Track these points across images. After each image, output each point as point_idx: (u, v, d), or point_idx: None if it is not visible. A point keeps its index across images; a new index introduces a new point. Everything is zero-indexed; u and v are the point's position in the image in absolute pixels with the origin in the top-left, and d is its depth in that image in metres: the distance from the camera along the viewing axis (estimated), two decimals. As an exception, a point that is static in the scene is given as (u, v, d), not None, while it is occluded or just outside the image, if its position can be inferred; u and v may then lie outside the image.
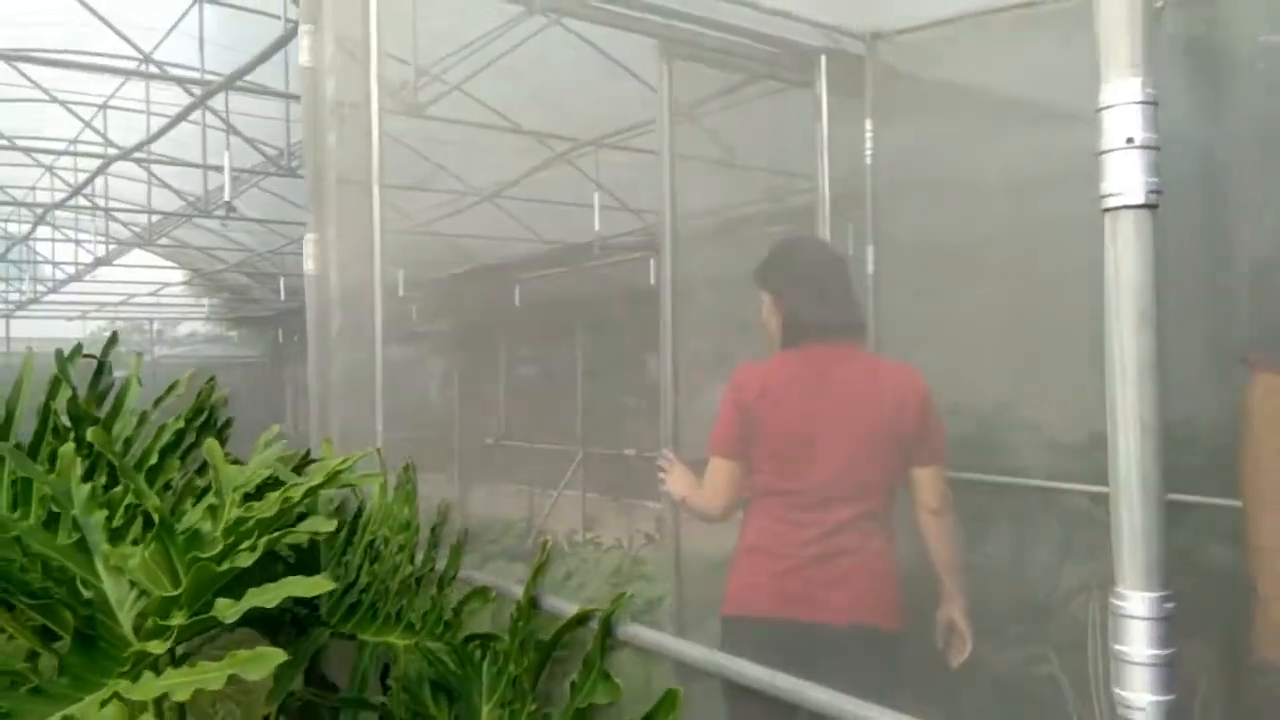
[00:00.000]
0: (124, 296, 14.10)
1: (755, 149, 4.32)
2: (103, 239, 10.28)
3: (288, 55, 4.41)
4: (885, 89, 2.89)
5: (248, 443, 1.93)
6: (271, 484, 1.75)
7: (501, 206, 7.71)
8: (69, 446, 1.60)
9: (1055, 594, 2.64)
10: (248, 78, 4.85)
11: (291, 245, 9.93)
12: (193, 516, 1.60)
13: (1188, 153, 2.12)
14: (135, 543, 1.57)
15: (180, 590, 1.30)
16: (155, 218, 9.22)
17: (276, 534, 1.42)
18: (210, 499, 1.64)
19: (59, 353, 2.07)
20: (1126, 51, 0.95)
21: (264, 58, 4.35)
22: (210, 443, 1.75)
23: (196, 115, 5.95)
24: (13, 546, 1.40)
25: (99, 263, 10.67)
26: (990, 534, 2.74)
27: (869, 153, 2.91)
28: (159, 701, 1.25)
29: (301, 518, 1.77)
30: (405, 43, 4.22)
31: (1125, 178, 0.95)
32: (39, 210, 8.99)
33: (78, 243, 10.73)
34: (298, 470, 1.97)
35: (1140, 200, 0.95)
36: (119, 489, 1.68)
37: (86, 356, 2.13)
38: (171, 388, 2.21)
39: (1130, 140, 0.95)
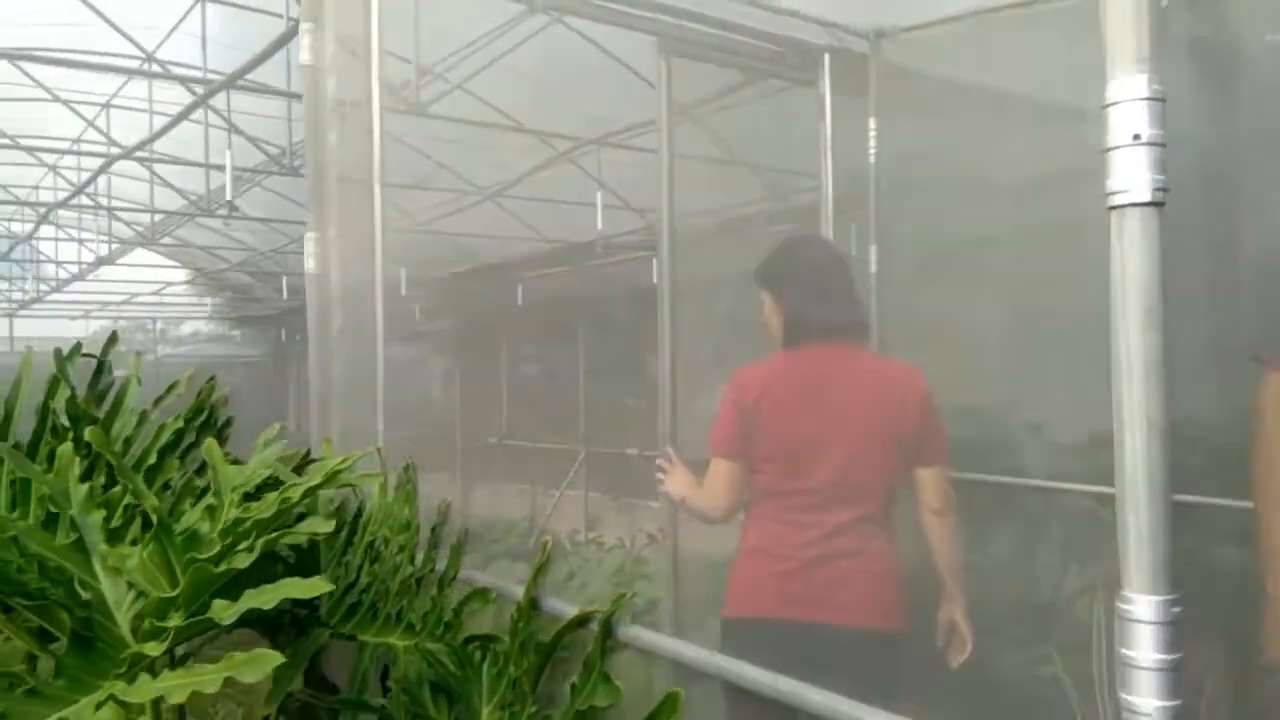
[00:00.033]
0: (127, 296, 14.11)
1: (758, 148, 4.31)
2: (105, 238, 10.29)
3: (290, 54, 4.40)
4: (889, 87, 2.88)
5: (250, 442, 1.92)
6: (271, 484, 1.74)
7: (504, 205, 7.70)
8: (67, 446, 1.60)
9: (1059, 595, 2.63)
10: (250, 76, 4.85)
11: (294, 244, 9.93)
12: (191, 517, 1.60)
13: (1192, 152, 2.10)
14: (134, 543, 1.56)
15: (177, 591, 1.29)
16: (158, 217, 9.22)
17: (274, 535, 1.42)
18: (209, 499, 1.63)
19: (57, 352, 2.07)
20: (1133, 47, 0.94)
21: (265, 56, 4.34)
22: (209, 442, 1.75)
23: (198, 114, 5.94)
24: (10, 547, 1.39)
25: (101, 262, 10.67)
26: (994, 534, 2.73)
27: (873, 151, 2.89)
28: (156, 703, 1.24)
29: (301, 518, 1.77)
30: (407, 41, 4.21)
31: (1132, 175, 0.94)
32: (42, 209, 9.00)
33: (81, 242, 10.75)
34: (298, 470, 1.96)
35: (1147, 198, 0.93)
36: (118, 489, 1.68)
37: (85, 356, 2.12)
38: (171, 387, 2.20)
39: (1137, 137, 0.94)
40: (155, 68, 6.27)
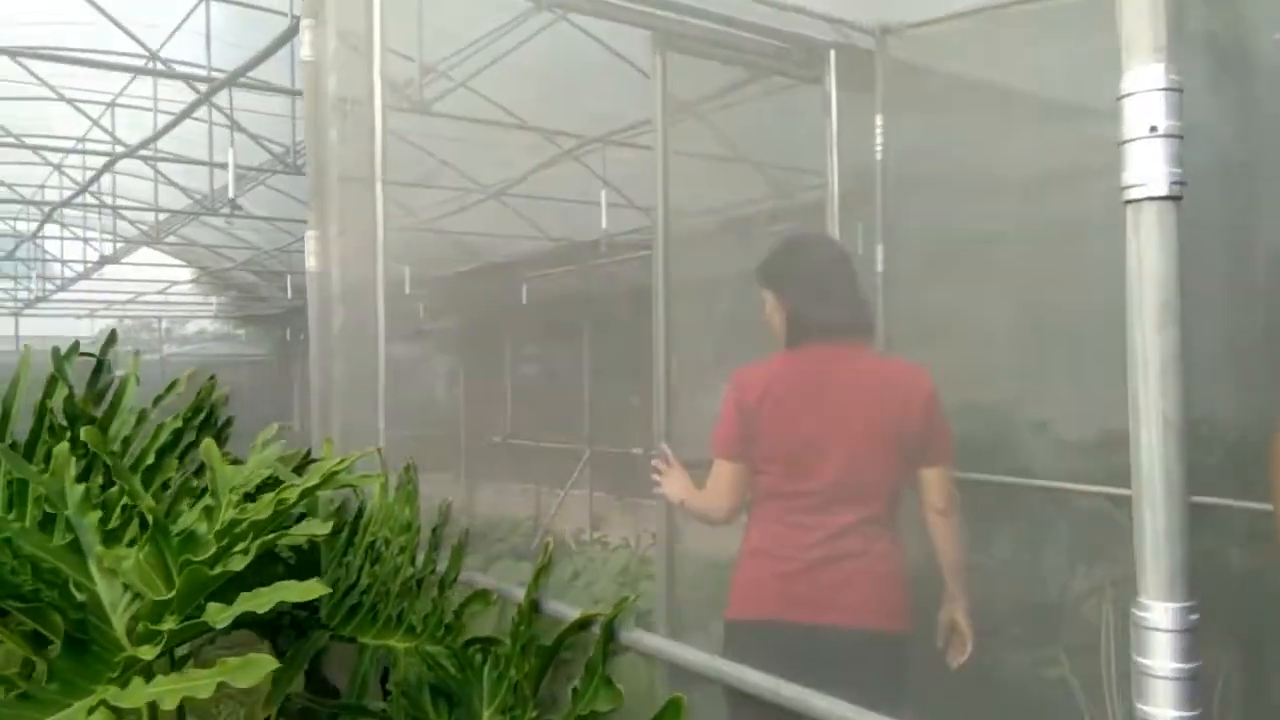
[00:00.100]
0: (132, 295, 14.14)
1: (763, 145, 4.29)
2: (110, 237, 10.30)
3: (293, 51, 4.39)
4: (895, 84, 2.85)
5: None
6: (272, 484, 1.72)
7: (508, 204, 7.68)
8: (63, 446, 1.58)
9: (1066, 596, 2.60)
10: (254, 75, 4.83)
11: (298, 243, 9.92)
12: (189, 518, 1.58)
13: (1207, 147, 2.07)
14: (131, 544, 1.54)
15: (172, 594, 1.27)
16: (162, 216, 9.23)
17: (271, 536, 1.40)
18: (207, 500, 1.61)
19: (55, 351, 2.05)
20: (1149, 37, 0.91)
21: (267, 53, 4.32)
22: (208, 442, 1.73)
23: (202, 113, 5.93)
24: (3, 548, 1.38)
25: (106, 261, 10.67)
26: (1000, 534, 2.71)
27: (879, 149, 2.87)
28: (151, 705, 1.22)
29: (301, 518, 1.75)
30: (410, 38, 4.20)
31: (1148, 168, 0.91)
32: (47, 208, 9.01)
33: (86, 241, 10.75)
34: (299, 470, 1.94)
35: (1164, 191, 0.91)
36: (115, 489, 1.66)
37: (84, 355, 2.11)
38: (171, 386, 2.19)
39: (1153, 129, 0.91)
40: (159, 66, 6.26)
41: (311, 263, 2.49)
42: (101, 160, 7.49)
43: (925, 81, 2.86)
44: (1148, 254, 0.91)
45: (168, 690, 1.08)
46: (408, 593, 1.78)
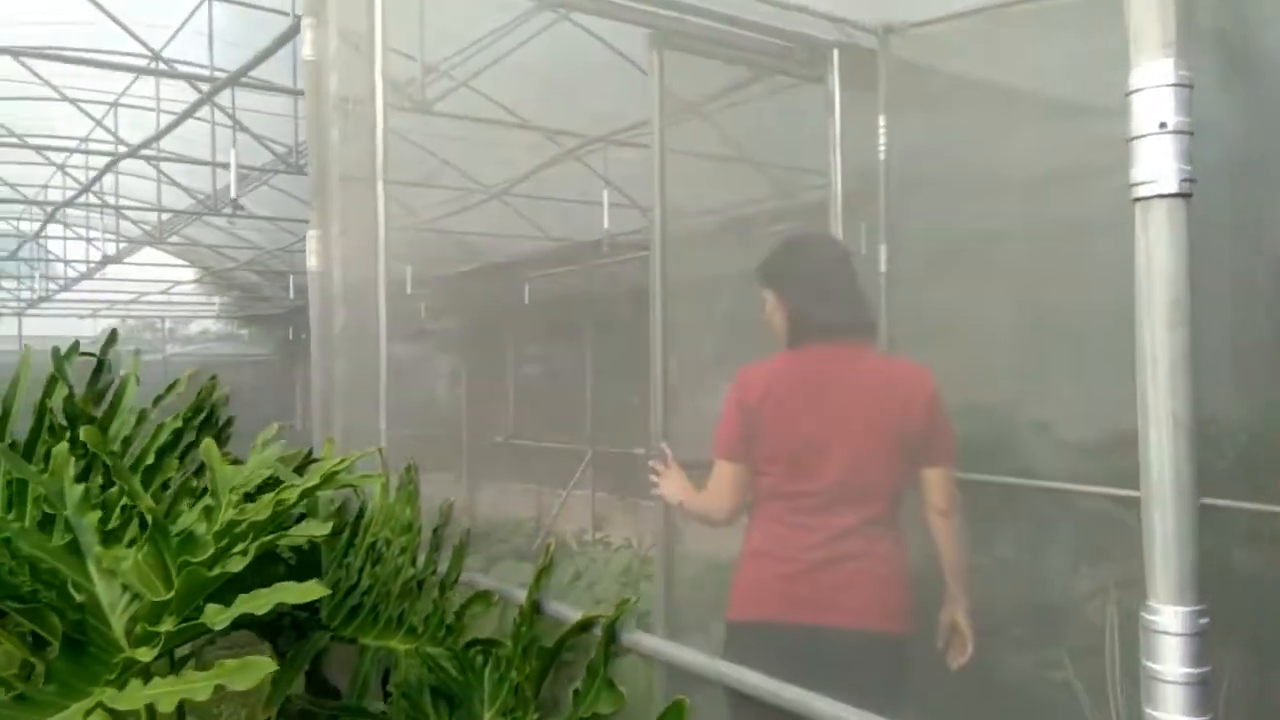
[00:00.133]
0: (135, 295, 14.15)
1: (766, 145, 4.27)
2: (113, 237, 10.31)
3: (296, 51, 4.39)
4: (899, 83, 2.84)
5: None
6: (272, 485, 1.71)
7: (509, 203, 7.67)
8: (62, 446, 1.57)
9: (1070, 597, 2.59)
10: (258, 75, 4.83)
11: (300, 243, 9.87)
12: (188, 518, 1.57)
13: (1215, 146, 2.06)
14: (131, 545, 1.54)
15: (171, 595, 1.26)
16: (165, 216, 9.23)
17: (271, 537, 1.39)
18: (207, 500, 1.60)
19: (55, 350, 2.04)
20: (1158, 31, 0.90)
21: (268, 53, 4.32)
22: (207, 442, 1.72)
23: (205, 112, 5.93)
24: (2, 549, 1.37)
25: (109, 261, 10.68)
26: (1002, 535, 2.70)
27: (882, 148, 2.85)
28: (150, 708, 1.21)
29: (301, 519, 1.74)
30: (412, 38, 4.19)
31: (1157, 165, 0.90)
32: (49, 208, 9.01)
33: (89, 241, 10.76)
34: (299, 470, 1.93)
35: (1174, 189, 0.89)
36: (115, 489, 1.65)
37: (85, 355, 2.10)
38: (172, 386, 2.18)
39: (1163, 125, 0.89)
40: (162, 66, 6.26)
41: (313, 262, 2.48)
42: (104, 160, 7.50)
43: (928, 81, 2.85)
44: (1157, 252, 0.90)
45: (165, 692, 1.08)
46: (409, 594, 1.77)
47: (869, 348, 2.13)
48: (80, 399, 2.01)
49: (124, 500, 1.61)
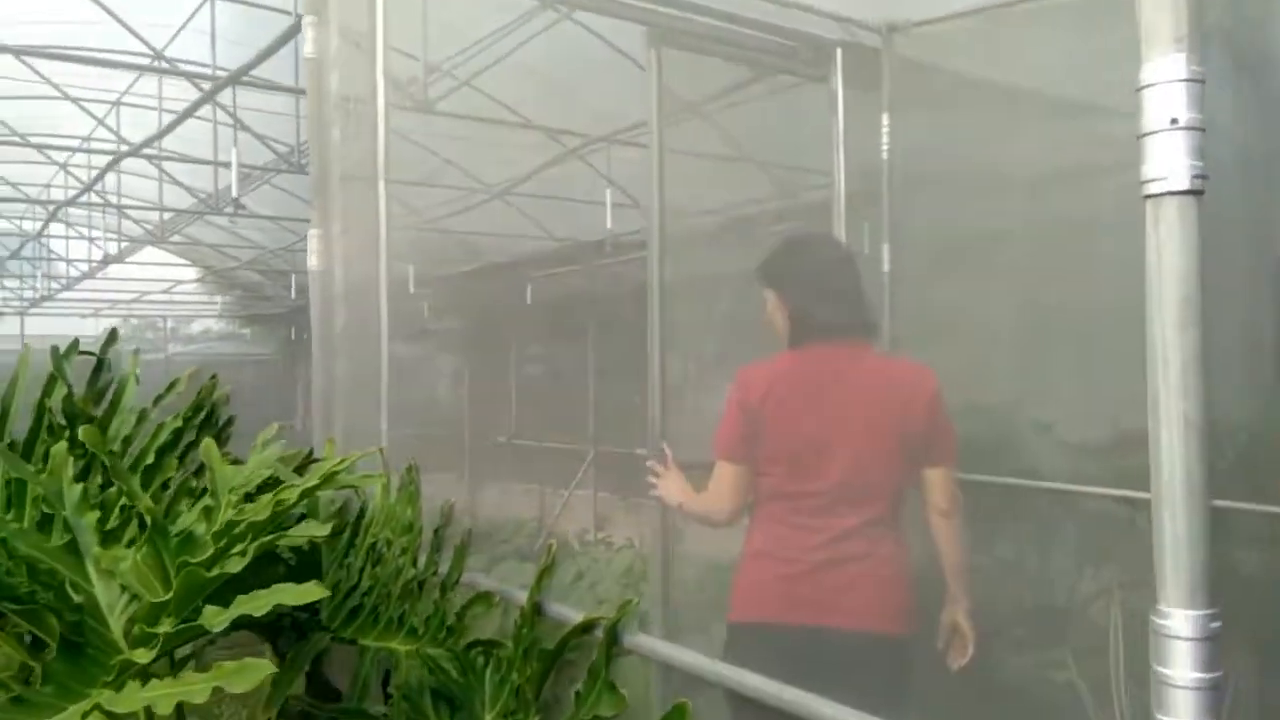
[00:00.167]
0: (137, 294, 14.15)
1: (769, 144, 4.26)
2: (115, 236, 10.31)
3: (297, 50, 4.38)
4: (902, 83, 2.83)
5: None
6: (273, 485, 1.71)
7: (512, 203, 7.66)
8: (61, 445, 1.56)
9: (1074, 598, 2.58)
10: (259, 74, 4.82)
11: (302, 242, 9.84)
12: (188, 519, 1.56)
13: (1224, 144, 2.05)
14: (130, 545, 1.53)
15: (169, 596, 1.25)
16: (167, 215, 9.23)
17: (270, 537, 1.38)
18: (206, 500, 1.59)
19: (54, 349, 2.04)
20: (1170, 26, 0.88)
21: (270, 52, 4.31)
22: (207, 442, 1.71)
23: (206, 111, 5.93)
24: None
25: (111, 260, 10.69)
26: (1005, 535, 2.69)
27: (885, 147, 2.84)
28: (148, 710, 1.20)
29: (301, 519, 1.73)
30: (413, 36, 4.18)
31: (1169, 161, 0.88)
32: (51, 207, 9.01)
33: (91, 240, 10.76)
34: (300, 470, 1.92)
35: (1185, 185, 0.88)
36: (114, 489, 1.64)
37: (84, 354, 2.09)
38: (172, 385, 2.17)
39: (1174, 121, 0.88)
40: (164, 65, 6.25)
41: (314, 262, 2.47)
42: (106, 159, 7.49)
43: (932, 79, 2.84)
44: (1168, 249, 0.88)
45: (162, 694, 1.07)
46: (409, 595, 1.76)
47: (870, 348, 2.11)
48: (80, 398, 2.00)
49: (123, 500, 1.60)
